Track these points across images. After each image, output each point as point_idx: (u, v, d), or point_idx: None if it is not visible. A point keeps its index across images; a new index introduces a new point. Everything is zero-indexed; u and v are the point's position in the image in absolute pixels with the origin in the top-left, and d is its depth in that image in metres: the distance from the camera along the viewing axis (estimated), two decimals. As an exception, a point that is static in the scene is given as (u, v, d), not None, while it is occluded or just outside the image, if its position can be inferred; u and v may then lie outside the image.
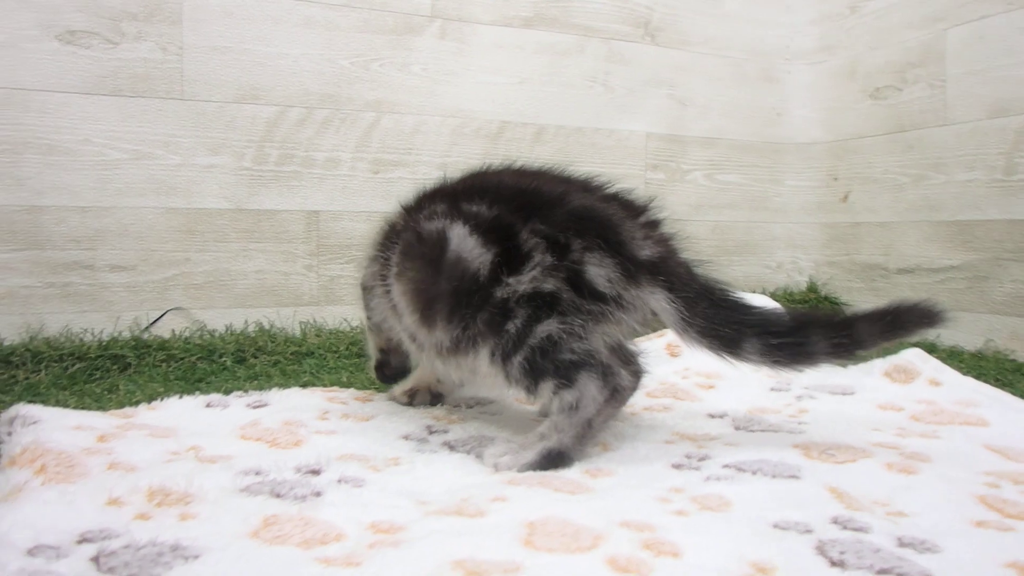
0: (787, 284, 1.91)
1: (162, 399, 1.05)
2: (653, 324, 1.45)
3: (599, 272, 0.86)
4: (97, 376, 1.28)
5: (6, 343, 1.29)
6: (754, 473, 0.79)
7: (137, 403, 1.10)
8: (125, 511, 0.68)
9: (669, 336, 1.34)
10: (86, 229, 1.37)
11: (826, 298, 1.84)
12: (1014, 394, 1.22)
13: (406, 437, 0.95)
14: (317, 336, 1.47)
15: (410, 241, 0.94)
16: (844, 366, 1.00)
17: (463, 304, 0.88)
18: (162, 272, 1.41)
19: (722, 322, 0.85)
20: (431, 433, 0.97)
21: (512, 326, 0.86)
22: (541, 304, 0.85)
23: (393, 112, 1.55)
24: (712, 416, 1.04)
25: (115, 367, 1.31)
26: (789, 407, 1.10)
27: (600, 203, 0.90)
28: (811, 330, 0.85)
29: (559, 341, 0.85)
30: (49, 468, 0.74)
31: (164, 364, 1.32)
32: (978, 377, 1.36)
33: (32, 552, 0.59)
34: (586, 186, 0.96)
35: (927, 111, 1.64)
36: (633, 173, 1.76)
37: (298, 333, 1.46)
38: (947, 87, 1.59)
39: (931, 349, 1.59)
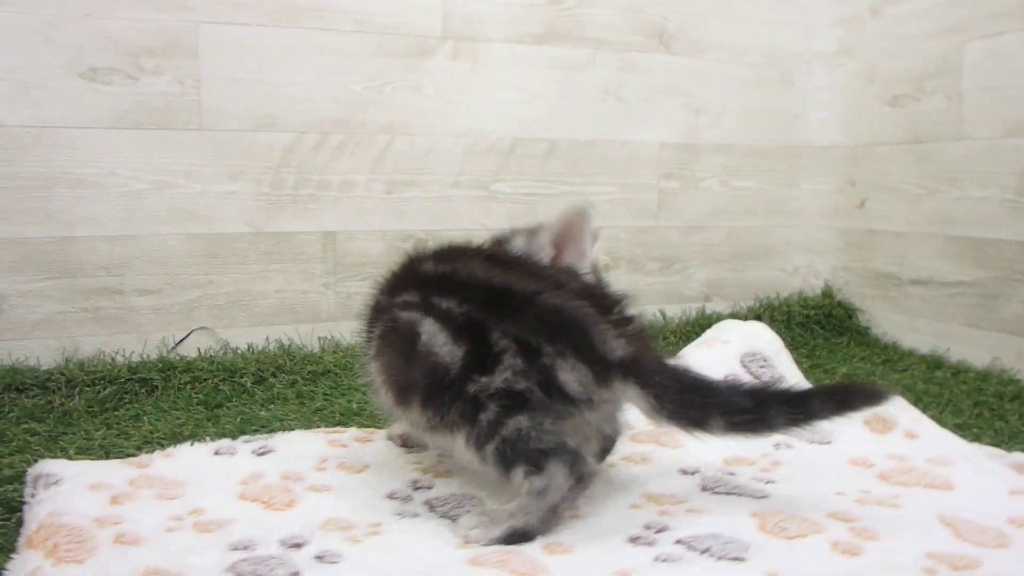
0: (803, 288, 1.90)
1: (176, 445, 1.12)
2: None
3: (570, 377, 0.89)
4: (126, 400, 1.36)
5: (43, 367, 1.39)
6: (702, 552, 0.82)
7: (157, 439, 1.19)
8: None
9: None
10: (114, 257, 1.44)
11: (840, 304, 1.84)
12: (999, 434, 1.24)
13: (391, 495, 1.00)
14: (334, 353, 1.54)
15: (386, 327, 0.98)
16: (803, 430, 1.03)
17: (435, 395, 0.92)
18: (187, 294, 1.49)
19: (689, 406, 0.89)
20: (415, 489, 1.01)
21: (484, 418, 0.90)
22: (512, 401, 0.89)
23: (406, 134, 1.58)
24: (684, 472, 1.07)
25: (143, 390, 1.39)
26: (765, 457, 1.12)
27: (572, 302, 0.91)
28: (770, 406, 0.89)
29: (529, 434, 0.89)
30: (60, 548, 0.81)
31: (188, 386, 1.41)
32: (976, 403, 1.39)
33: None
34: (558, 281, 0.96)
35: (943, 124, 1.60)
36: (647, 183, 1.77)
37: (317, 349, 1.53)
38: (963, 101, 1.55)
39: (938, 364, 1.60)
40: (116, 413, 1.29)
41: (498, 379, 0.89)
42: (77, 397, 1.33)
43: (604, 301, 0.96)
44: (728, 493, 1.01)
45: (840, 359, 1.65)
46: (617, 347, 0.90)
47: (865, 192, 1.80)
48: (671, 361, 0.94)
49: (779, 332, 1.73)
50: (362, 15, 1.52)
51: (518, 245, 1.12)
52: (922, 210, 1.67)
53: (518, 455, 0.90)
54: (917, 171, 1.67)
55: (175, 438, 1.19)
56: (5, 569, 0.79)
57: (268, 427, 1.26)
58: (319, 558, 0.84)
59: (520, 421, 0.89)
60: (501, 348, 0.90)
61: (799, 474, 1.07)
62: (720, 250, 1.85)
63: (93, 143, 1.40)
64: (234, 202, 1.49)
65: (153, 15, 1.40)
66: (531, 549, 0.87)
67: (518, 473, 0.90)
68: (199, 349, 1.49)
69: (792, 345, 1.71)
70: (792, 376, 1.36)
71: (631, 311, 0.98)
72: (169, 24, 1.41)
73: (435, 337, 0.92)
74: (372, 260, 1.58)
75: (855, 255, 1.85)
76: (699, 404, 0.89)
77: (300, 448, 1.13)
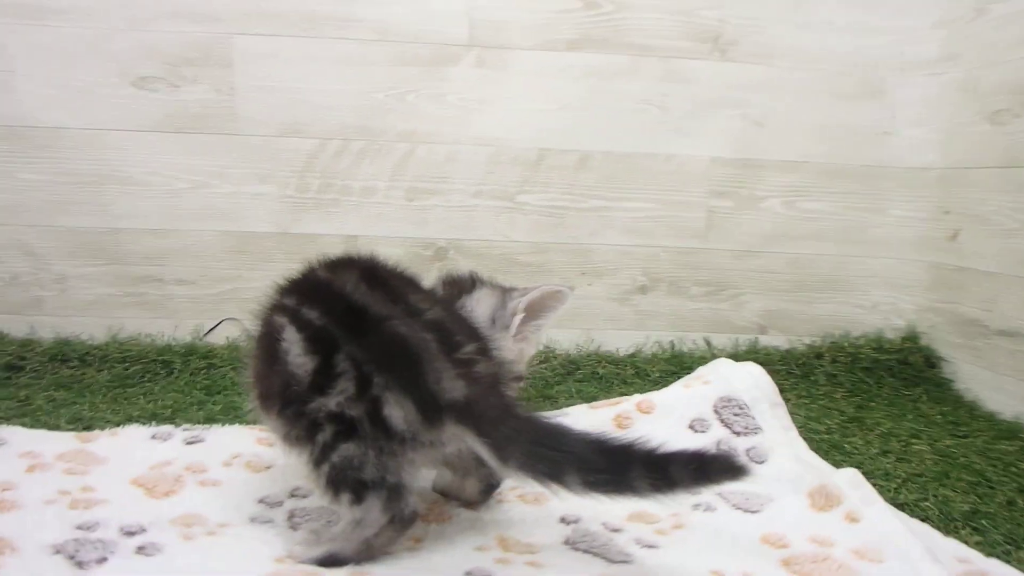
0: (882, 328, 1.64)
1: (124, 426, 1.20)
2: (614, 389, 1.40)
3: (396, 412, 0.84)
4: (146, 379, 1.49)
5: (92, 342, 1.57)
6: None
7: (138, 417, 1.28)
8: None
9: (624, 405, 1.27)
10: (156, 248, 1.57)
11: (921, 350, 1.57)
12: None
13: (263, 499, 1.00)
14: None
15: (261, 329, 0.95)
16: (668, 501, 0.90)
17: (286, 407, 0.89)
18: (218, 287, 1.60)
19: (538, 459, 0.80)
20: (291, 497, 1.01)
21: (321, 439, 0.86)
22: (343, 426, 0.85)
23: (427, 142, 1.57)
24: (564, 520, 0.97)
25: (163, 371, 1.51)
26: (674, 517, 0.98)
27: (417, 333, 0.86)
28: (629, 468, 0.78)
29: (356, 463, 0.85)
30: None
31: (202, 372, 1.52)
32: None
33: None
34: (415, 309, 0.90)
35: (1041, 145, 1.32)
36: (693, 200, 1.61)
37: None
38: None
39: (1013, 433, 1.33)
40: (130, 390, 1.42)
41: (332, 402, 0.85)
42: (106, 372, 1.49)
43: (454, 337, 0.89)
44: (586, 551, 0.90)
45: (892, 414, 1.40)
46: (452, 388, 0.84)
47: (958, 223, 1.53)
48: (522, 409, 0.85)
49: (839, 376, 1.55)
50: (384, 24, 1.53)
51: (486, 299, 1.09)
52: (1015, 248, 1.38)
53: (345, 482, 0.86)
54: (1014, 200, 1.39)
55: (153, 417, 1.29)
56: None
57: (242, 418, 1.33)
58: (140, 548, 0.86)
59: (349, 448, 0.85)
60: (340, 370, 0.86)
61: (690, 542, 0.93)
62: (780, 278, 1.65)
63: (140, 145, 1.54)
64: (262, 203, 1.58)
65: (192, 27, 1.51)
66: (338, 573, 0.84)
67: (343, 500, 0.87)
68: (227, 338, 1.60)
69: (848, 391, 1.51)
70: (770, 429, 1.19)
71: (489, 352, 0.91)
72: (205, 36, 1.51)
73: (293, 346, 0.89)
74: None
75: (945, 295, 1.56)
76: (549, 458, 0.80)
77: (226, 442, 1.16)
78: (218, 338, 1.59)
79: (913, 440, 1.30)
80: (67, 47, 1.51)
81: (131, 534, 0.90)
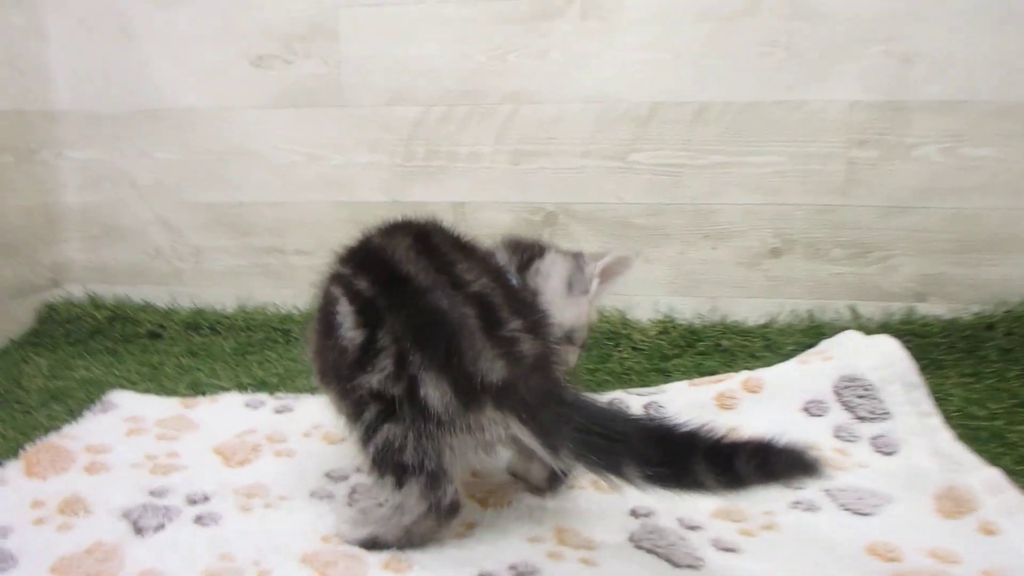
0: (1070, 294, 1.38)
1: (222, 394, 1.26)
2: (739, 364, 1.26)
3: (433, 393, 0.79)
4: (266, 347, 1.55)
5: (222, 311, 1.65)
6: None
7: (248, 384, 1.33)
8: (35, 514, 0.89)
9: (728, 383, 1.13)
10: (277, 220, 1.61)
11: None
12: None
13: (329, 473, 1.01)
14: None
15: (320, 299, 0.92)
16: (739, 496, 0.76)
17: (340, 381, 0.86)
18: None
19: (594, 449, 0.73)
20: (357, 471, 1.00)
21: (366, 417, 0.83)
22: (386, 406, 0.82)
23: (531, 102, 1.48)
24: (634, 514, 0.89)
25: (282, 339, 1.56)
26: (765, 516, 0.87)
27: (459, 307, 0.80)
28: (690, 456, 0.70)
29: (398, 444, 0.81)
30: (40, 464, 0.99)
31: (316, 340, 1.57)
32: None
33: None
34: (459, 277, 0.84)
35: None
36: (831, 152, 1.41)
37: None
38: None
39: None
40: (249, 357, 1.47)
41: (374, 379, 0.82)
42: (231, 340, 1.56)
43: (498, 312, 0.82)
44: (650, 551, 0.82)
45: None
46: (491, 370, 0.78)
47: None
48: (570, 393, 0.78)
49: (1015, 351, 1.33)
50: None
51: (560, 263, 1.02)
52: None
53: (388, 465, 0.83)
54: None
55: (261, 386, 1.33)
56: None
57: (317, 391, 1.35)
58: (198, 518, 0.90)
59: (391, 429, 0.82)
60: (381, 346, 0.82)
61: (777, 549, 0.83)
62: (940, 238, 1.41)
63: (260, 121, 1.57)
64: (373, 172, 1.56)
65: (302, 3, 1.51)
66: (372, 558, 0.82)
67: (388, 483, 0.84)
68: (347, 307, 1.63)
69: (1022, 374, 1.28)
70: (903, 415, 1.03)
71: (540, 329, 0.84)
72: (313, 10, 1.51)
73: (345, 319, 0.86)
74: (499, 231, 1.53)
75: None
76: (602, 448, 0.73)
77: (312, 412, 1.18)
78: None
79: None
80: (194, 32, 1.56)
81: (194, 503, 0.93)
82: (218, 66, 1.57)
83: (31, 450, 1.03)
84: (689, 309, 1.50)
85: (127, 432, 1.12)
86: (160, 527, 0.88)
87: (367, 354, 0.82)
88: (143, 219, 1.66)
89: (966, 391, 1.22)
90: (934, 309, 1.43)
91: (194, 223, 1.64)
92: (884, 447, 1.01)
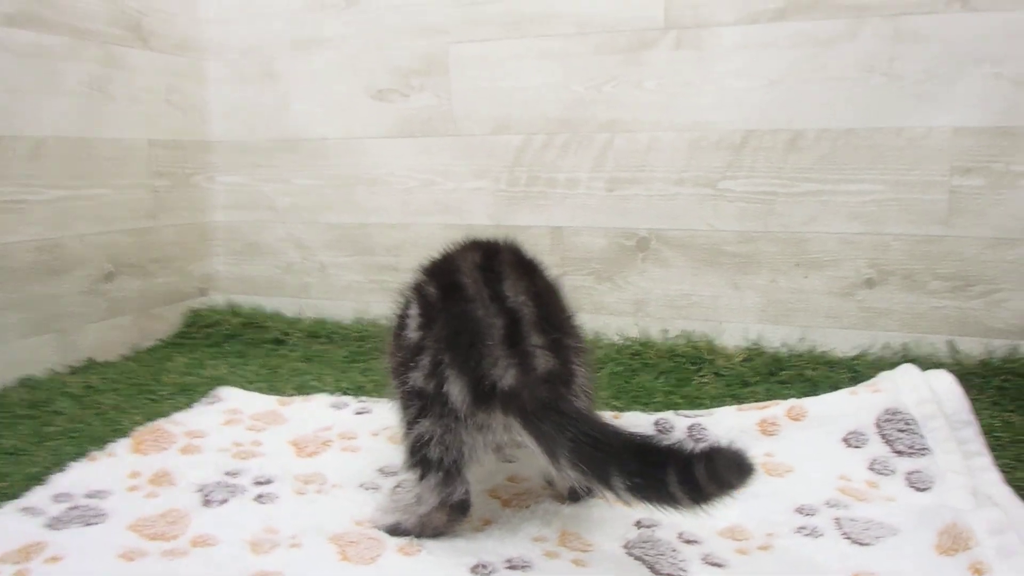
0: None
1: (320, 393, 1.43)
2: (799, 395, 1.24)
3: (453, 390, 0.89)
4: (373, 355, 1.70)
5: (341, 322, 1.81)
6: None
7: (345, 388, 1.48)
8: (131, 482, 1.08)
9: (772, 409, 1.14)
10: (395, 240, 1.80)
11: None
12: None
13: (382, 468, 1.14)
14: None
15: (401, 305, 1.03)
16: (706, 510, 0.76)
17: (397, 377, 0.98)
18: (445, 275, 1.75)
19: (583, 456, 0.81)
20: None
21: (410, 412, 0.96)
22: (423, 403, 0.93)
23: (626, 131, 1.56)
24: (639, 525, 0.95)
25: (379, 351, 1.71)
26: (766, 537, 0.91)
27: (491, 317, 0.90)
28: (663, 469, 0.76)
29: (427, 438, 0.92)
30: (145, 443, 1.19)
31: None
32: None
33: (55, 498, 1.03)
34: (500, 293, 0.93)
35: None
36: (932, 180, 1.38)
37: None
38: None
39: None
40: (354, 364, 1.64)
41: (418, 376, 0.94)
42: (344, 349, 1.72)
43: (522, 327, 0.91)
44: (639, 558, 0.90)
45: None
46: (504, 376, 0.88)
47: None
48: (570, 406, 0.86)
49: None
50: (582, 17, 1.56)
51: None
52: None
53: (417, 459, 0.95)
54: None
55: (359, 390, 1.48)
56: (103, 448, 1.19)
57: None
58: (258, 496, 1.06)
59: (424, 425, 0.94)
60: (426, 345, 0.94)
61: (764, 569, 0.87)
62: None
63: (381, 149, 1.76)
64: (479, 197, 1.70)
65: (418, 41, 1.69)
66: (391, 542, 0.93)
67: (415, 475, 0.96)
68: (452, 323, 1.74)
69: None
70: (944, 452, 1.03)
71: (561, 347, 0.93)
72: (428, 47, 1.69)
73: (412, 321, 0.97)
74: (596, 256, 1.61)
75: None
76: (594, 458, 0.81)
77: (386, 416, 1.30)
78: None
79: None
80: (327, 70, 1.79)
81: (259, 483, 1.10)
82: (345, 100, 1.76)
83: (141, 431, 1.24)
84: (778, 338, 1.50)
85: (224, 422, 1.31)
86: (224, 501, 1.05)
87: (415, 352, 0.94)
88: (279, 237, 1.87)
89: None
90: (1045, 348, 1.34)
91: (322, 242, 1.83)
92: (918, 483, 1.02)
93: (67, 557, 0.90)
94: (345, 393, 1.45)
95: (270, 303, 1.92)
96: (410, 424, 0.95)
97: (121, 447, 1.19)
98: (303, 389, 1.50)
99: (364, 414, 1.34)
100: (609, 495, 0.80)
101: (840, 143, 1.44)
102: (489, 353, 0.89)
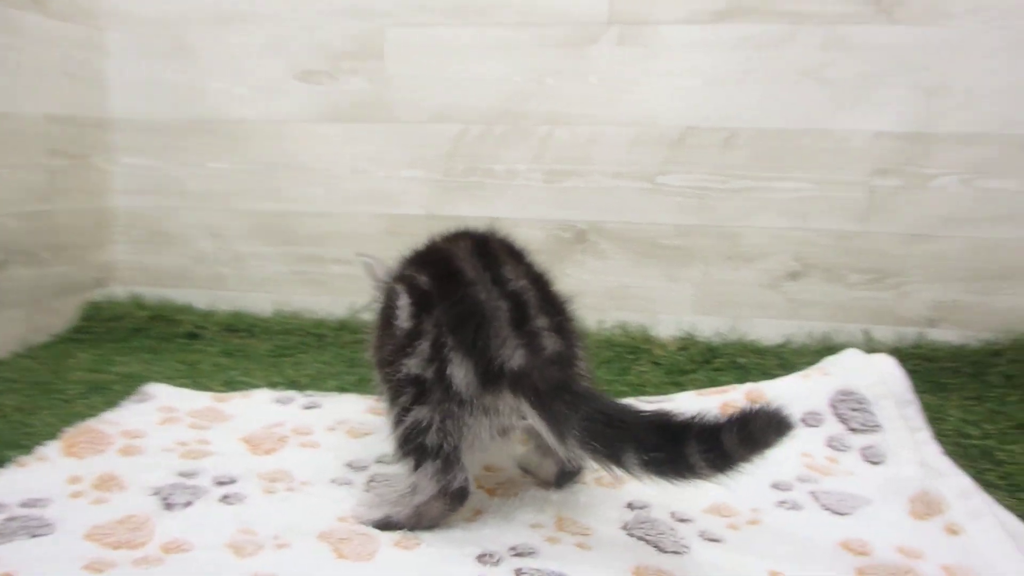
0: (1083, 326, 1.43)
1: (258, 389, 1.37)
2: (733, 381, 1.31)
3: (458, 372, 0.89)
4: (300, 349, 1.65)
5: (259, 314, 1.74)
6: None
7: (278, 383, 1.43)
8: (72, 488, 0.99)
9: (732, 394, 1.21)
10: (320, 229, 1.75)
11: None
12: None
13: (350, 463, 1.11)
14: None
15: (384, 299, 1.02)
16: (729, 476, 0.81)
17: (386, 366, 0.97)
18: (373, 266, 1.71)
19: (597, 436, 0.81)
20: (377, 462, 1.11)
21: (403, 400, 0.94)
22: (418, 390, 0.92)
23: (568, 124, 1.60)
24: (630, 506, 0.98)
25: (316, 343, 1.67)
26: (751, 512, 0.96)
27: (495, 300, 0.91)
28: (683, 440, 0.77)
29: (424, 426, 0.91)
30: (78, 445, 1.10)
31: (349, 345, 1.64)
32: None
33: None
34: (500, 275, 0.94)
35: None
36: (854, 180, 1.50)
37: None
38: None
39: None
40: (282, 359, 1.59)
41: (412, 362, 0.92)
42: (267, 342, 1.66)
43: (527, 309, 0.92)
44: (642, 538, 0.92)
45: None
46: (512, 357, 0.88)
47: None
48: (580, 386, 0.88)
49: (1018, 377, 1.38)
50: (527, 7, 1.58)
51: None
52: None
53: (411, 447, 0.93)
54: None
55: (291, 385, 1.43)
56: (31, 452, 1.09)
57: (373, 389, 1.42)
58: (224, 497, 1.00)
59: (421, 412, 0.92)
60: (424, 330, 0.92)
61: (759, 540, 0.92)
62: (955, 266, 1.49)
63: (306, 134, 1.71)
64: (414, 186, 1.69)
65: (350, 22, 1.65)
66: (384, 536, 0.91)
67: (408, 465, 0.94)
68: (380, 315, 1.71)
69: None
70: (893, 428, 1.12)
71: (565, 329, 0.94)
72: (362, 29, 1.65)
73: (403, 311, 0.96)
74: (535, 248, 1.60)
75: None
76: (606, 436, 0.81)
77: (339, 409, 1.30)
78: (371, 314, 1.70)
79: None
80: (247, 48, 1.71)
81: (222, 483, 1.04)
82: (268, 80, 1.69)
83: (70, 432, 1.15)
84: (710, 328, 1.56)
85: (161, 421, 1.23)
86: (188, 503, 0.99)
87: (410, 339, 0.93)
88: (189, 224, 1.77)
89: (965, 412, 1.30)
90: (945, 335, 1.51)
91: (238, 230, 1.76)
92: (872, 457, 1.11)
93: (21, 572, 0.82)
94: (278, 388, 1.39)
95: (178, 295, 1.81)
96: (402, 413, 0.93)
97: (51, 450, 1.09)
98: (231, 385, 1.44)
99: (313, 409, 1.30)
100: (619, 472, 0.81)
101: (772, 143, 1.53)
102: (496, 335, 0.89)
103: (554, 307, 0.97)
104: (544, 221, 1.64)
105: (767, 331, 1.57)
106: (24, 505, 0.95)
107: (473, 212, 1.67)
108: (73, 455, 1.08)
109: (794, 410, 1.13)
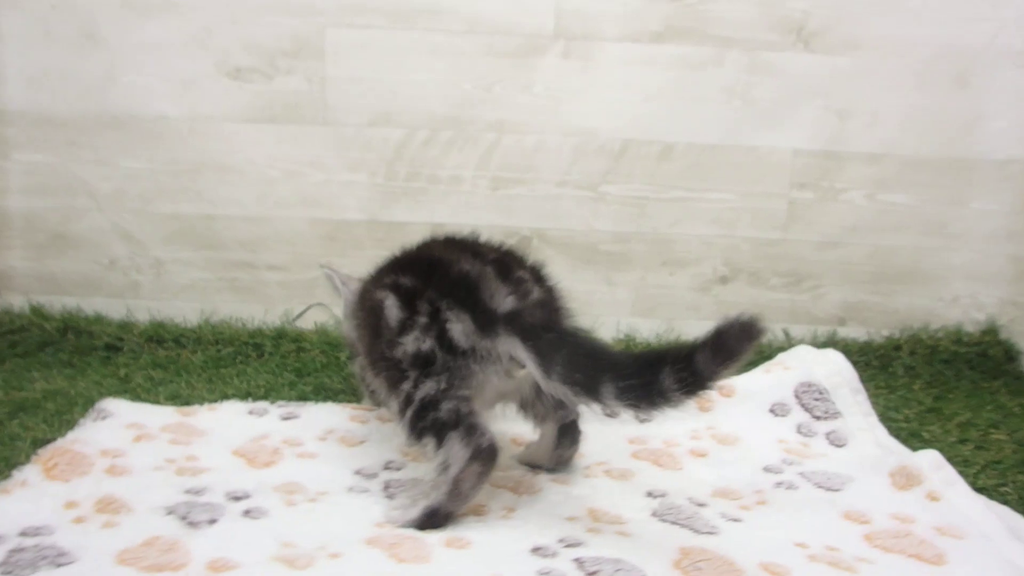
0: (961, 321, 1.69)
1: (222, 402, 1.32)
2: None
3: (458, 328, 0.97)
4: (239, 360, 1.59)
5: (186, 325, 1.65)
6: (590, 574, 0.83)
7: (234, 395, 1.38)
8: (71, 513, 0.93)
9: None
10: (249, 234, 1.69)
11: (1001, 343, 1.61)
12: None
13: (359, 471, 1.11)
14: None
15: (367, 306, 1.10)
16: (698, 399, 0.88)
17: (384, 359, 1.04)
18: (309, 273, 1.70)
19: (579, 367, 0.89)
20: (385, 469, 1.12)
21: (405, 387, 1.00)
22: (422, 365, 0.99)
23: (514, 132, 1.66)
24: (650, 494, 1.06)
25: (254, 353, 1.61)
26: (756, 494, 1.07)
27: (478, 267, 1.01)
28: (658, 368, 0.85)
29: (435, 401, 0.97)
30: (58, 467, 1.02)
31: (292, 354, 1.60)
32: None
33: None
34: (479, 252, 1.06)
35: None
36: (775, 192, 1.67)
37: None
38: None
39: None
40: (223, 370, 1.53)
41: (409, 340, 1.00)
42: (200, 353, 1.58)
43: (510, 267, 1.03)
44: (675, 522, 1.00)
45: (971, 405, 1.46)
46: (505, 303, 0.97)
47: (1046, 215, 1.54)
48: (568, 325, 1.00)
49: (916, 368, 1.59)
50: (474, 16, 1.62)
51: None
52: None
53: (427, 426, 0.98)
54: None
55: (246, 397, 1.38)
56: (9, 477, 1.01)
57: (333, 397, 1.42)
58: (246, 512, 0.98)
59: (428, 386, 0.98)
60: (419, 310, 1.01)
61: (773, 517, 1.03)
62: (860, 270, 1.70)
63: (236, 134, 1.65)
64: (353, 191, 1.67)
65: (287, 20, 1.62)
66: (432, 538, 0.93)
67: (428, 445, 0.99)
68: (315, 322, 1.69)
69: (927, 383, 1.56)
70: (850, 414, 1.28)
71: (543, 282, 1.06)
72: (300, 28, 1.62)
73: (392, 309, 1.04)
74: (476, 253, 1.66)
75: None
76: (588, 367, 0.89)
77: (320, 418, 1.29)
78: (306, 323, 1.66)
79: (992, 430, 1.37)
80: (168, 40, 1.62)
81: (237, 499, 1.02)
82: (192, 76, 1.62)
83: (43, 454, 1.06)
84: (648, 329, 1.67)
85: (135, 438, 1.17)
86: (213, 521, 0.95)
87: (404, 324, 1.01)
88: (98, 228, 1.66)
89: (884, 400, 1.49)
90: (853, 332, 1.70)
91: (156, 235, 1.67)
92: (836, 440, 1.27)
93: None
94: (249, 399, 1.35)
95: (86, 304, 1.68)
96: (409, 394, 0.99)
97: (30, 474, 1.01)
98: (177, 399, 1.37)
99: (293, 419, 1.28)
100: (597, 408, 0.90)
101: (704, 156, 1.67)
102: (486, 288, 0.98)
103: (531, 267, 1.09)
104: (489, 227, 1.66)
105: (699, 332, 1.65)
106: (25, 535, 0.89)
107: (417, 218, 1.68)
108: (56, 478, 1.01)
109: (763, 401, 1.29)
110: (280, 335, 1.65)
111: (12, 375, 1.44)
